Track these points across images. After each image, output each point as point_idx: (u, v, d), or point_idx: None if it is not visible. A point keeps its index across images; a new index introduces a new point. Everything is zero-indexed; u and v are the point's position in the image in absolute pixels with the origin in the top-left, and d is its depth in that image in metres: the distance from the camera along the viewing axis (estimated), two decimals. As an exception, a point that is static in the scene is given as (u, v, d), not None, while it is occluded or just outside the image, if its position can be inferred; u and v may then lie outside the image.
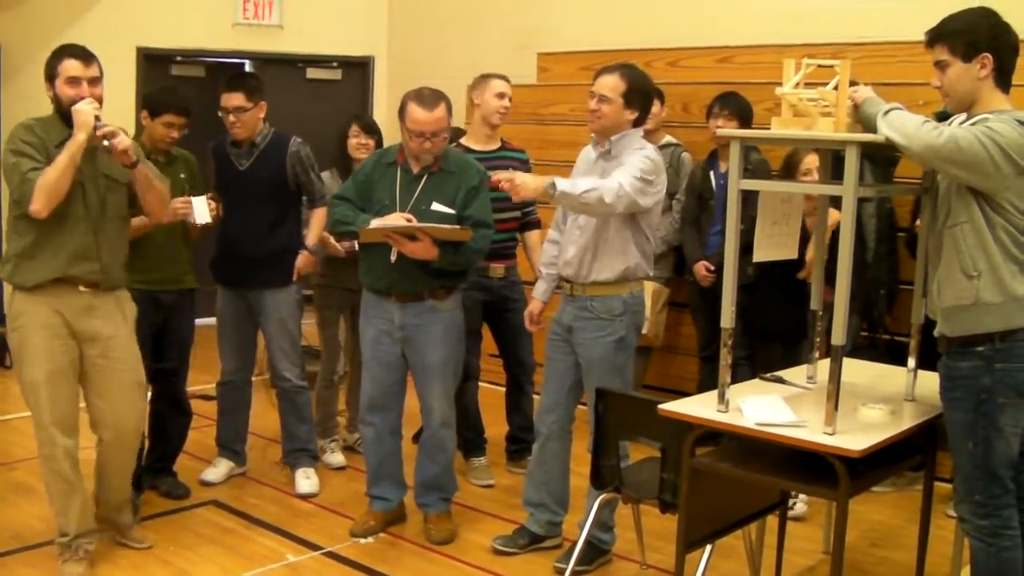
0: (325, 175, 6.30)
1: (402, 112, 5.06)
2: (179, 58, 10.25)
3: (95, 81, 4.65)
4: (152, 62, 10.17)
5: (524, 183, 4.48)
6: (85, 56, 4.65)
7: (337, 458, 6.46)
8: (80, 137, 4.48)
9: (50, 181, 4.44)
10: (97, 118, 4.52)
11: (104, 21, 9.88)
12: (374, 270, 5.18)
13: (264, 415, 6.89)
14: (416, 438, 5.68)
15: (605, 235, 4.74)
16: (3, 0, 9.81)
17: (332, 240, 5.99)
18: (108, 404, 4.84)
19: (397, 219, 4.97)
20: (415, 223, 4.93)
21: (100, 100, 4.62)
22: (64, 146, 4.50)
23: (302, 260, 5.82)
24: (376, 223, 4.96)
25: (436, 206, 5.02)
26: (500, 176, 4.56)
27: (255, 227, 5.76)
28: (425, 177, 5.11)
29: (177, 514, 5.56)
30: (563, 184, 4.46)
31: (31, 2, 9.90)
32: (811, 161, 5.60)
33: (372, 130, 6.30)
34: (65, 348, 4.67)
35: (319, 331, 6.57)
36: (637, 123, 4.81)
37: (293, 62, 10.55)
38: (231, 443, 6.19)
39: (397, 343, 5.21)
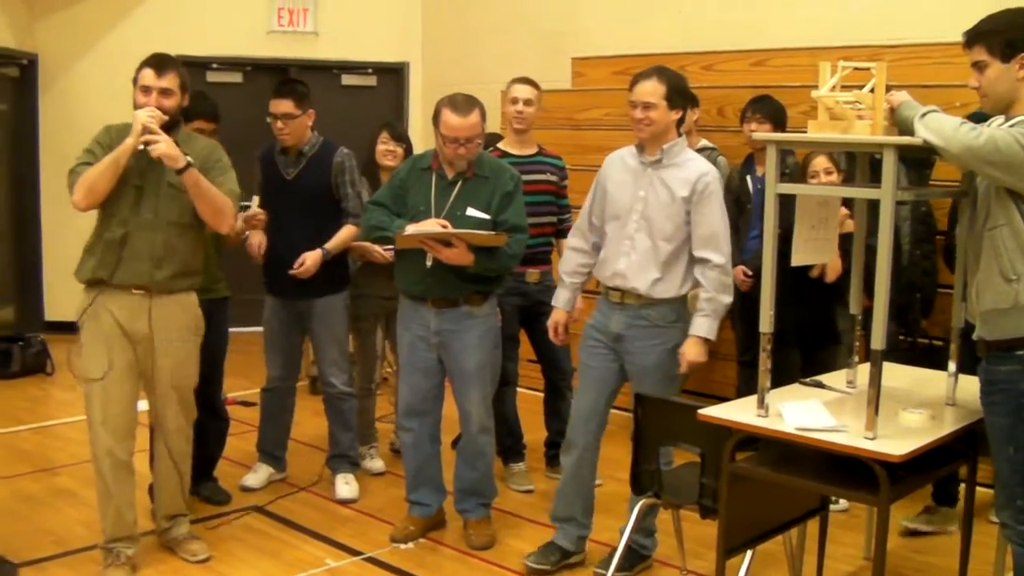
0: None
1: (436, 118, 5.08)
2: (215, 65, 10.31)
3: (166, 92, 4.76)
4: (188, 69, 10.20)
5: (695, 363, 4.75)
6: (160, 66, 4.79)
7: (376, 464, 6.49)
8: (129, 141, 4.59)
9: (90, 177, 4.60)
10: (148, 128, 4.59)
11: (140, 29, 9.98)
12: (410, 276, 5.20)
13: (304, 421, 6.93)
14: (455, 444, 5.69)
15: (676, 256, 4.72)
16: (40, 9, 9.92)
17: (378, 248, 5.97)
18: (154, 408, 4.93)
19: (432, 225, 4.98)
20: (450, 229, 4.95)
21: (167, 111, 4.70)
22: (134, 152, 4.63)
23: (311, 258, 5.73)
24: (412, 229, 4.99)
25: (471, 211, 5.04)
26: None
27: (303, 235, 5.78)
28: (460, 183, 5.12)
29: (218, 519, 5.59)
30: (709, 332, 4.74)
31: (68, 11, 10.00)
32: (818, 163, 5.59)
33: (401, 138, 6.31)
34: (122, 348, 4.75)
35: (355, 340, 6.59)
36: (679, 124, 4.81)
37: (328, 68, 10.61)
38: (273, 449, 6.23)
39: (433, 349, 5.22)
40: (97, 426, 4.74)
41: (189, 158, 4.59)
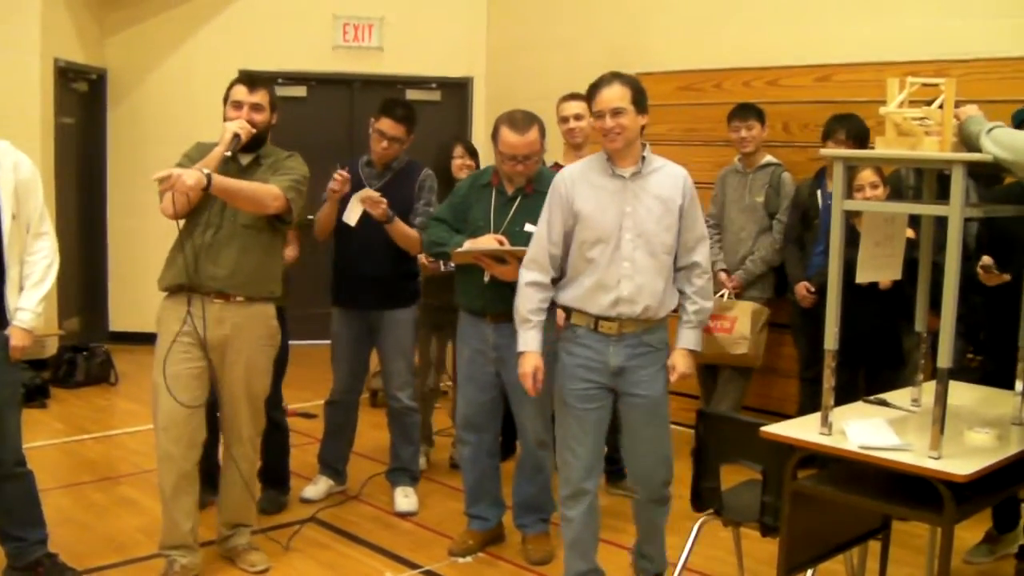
0: None
1: (495, 135, 5.09)
2: (280, 80, 10.39)
3: (257, 107, 4.91)
4: (254, 84, 10.32)
5: (686, 375, 4.59)
6: (251, 83, 4.95)
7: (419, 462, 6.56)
8: (218, 150, 4.71)
9: (177, 184, 4.57)
10: (237, 135, 4.75)
11: (207, 45, 10.12)
12: (469, 291, 5.21)
13: (363, 433, 6.94)
14: (504, 457, 5.66)
15: (665, 275, 4.54)
16: (109, 26, 10.08)
17: (422, 257, 6.03)
18: (225, 417, 4.99)
19: (489, 241, 4.99)
20: (506, 246, 4.96)
21: (256, 125, 4.85)
22: (227, 165, 4.73)
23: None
24: (468, 244, 5.02)
25: (529, 227, 5.00)
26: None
27: (380, 247, 5.80)
28: (519, 199, 5.13)
29: (277, 531, 5.61)
30: (697, 344, 4.60)
31: (137, 28, 10.16)
32: (864, 177, 5.53)
33: (474, 152, 6.38)
34: (189, 356, 4.78)
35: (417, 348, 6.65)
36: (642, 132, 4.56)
37: (393, 83, 10.68)
38: (334, 462, 6.26)
39: (491, 363, 5.22)
40: (159, 432, 4.80)
41: (206, 170, 4.57)
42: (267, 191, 4.76)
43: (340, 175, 5.66)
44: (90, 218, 10.08)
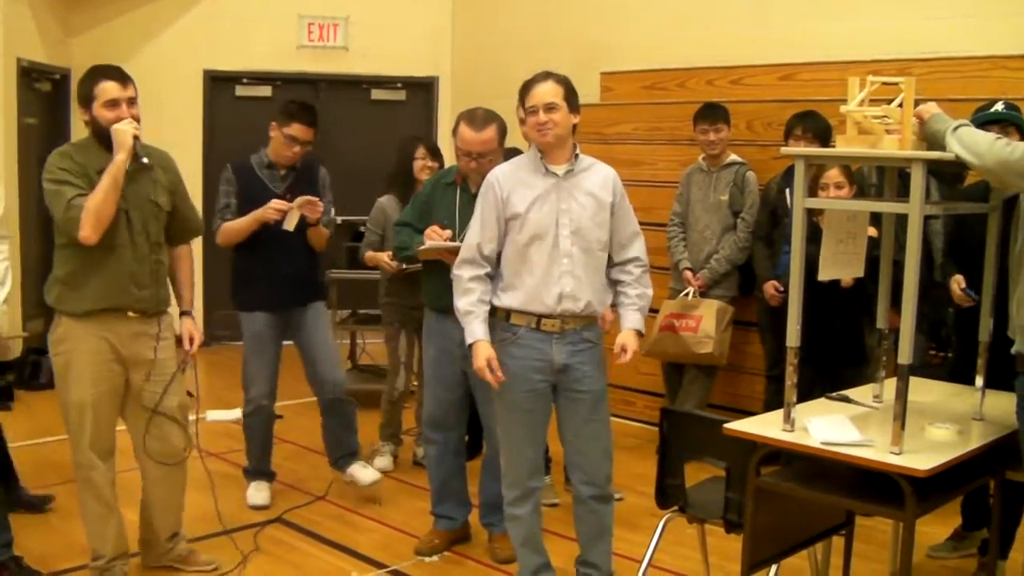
0: (385, 199, 6.40)
1: (454, 131, 5.12)
2: (245, 80, 10.38)
3: (132, 101, 4.60)
4: (218, 84, 10.32)
5: (634, 352, 4.54)
6: (121, 77, 4.61)
7: (384, 461, 6.65)
8: (120, 157, 4.46)
9: (96, 205, 4.42)
10: (136, 138, 4.51)
11: (172, 45, 10.09)
12: (434, 290, 5.21)
13: (315, 430, 6.95)
14: (471, 456, 5.67)
15: (601, 271, 4.57)
16: (73, 26, 10.02)
17: (384, 258, 6.15)
18: (153, 428, 4.84)
19: (431, 233, 5.04)
20: (451, 239, 4.99)
21: (138, 120, 4.58)
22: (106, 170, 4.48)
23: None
24: (428, 243, 5.04)
25: None
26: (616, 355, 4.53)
27: (296, 246, 5.84)
28: None
29: (242, 531, 5.60)
30: (639, 324, 4.57)
31: (101, 28, 10.11)
32: (830, 176, 5.57)
33: (437, 152, 6.36)
34: (111, 373, 4.69)
35: (386, 346, 6.66)
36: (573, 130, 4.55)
37: (358, 83, 10.69)
38: (268, 466, 6.21)
39: (458, 362, 5.20)
40: (87, 450, 4.70)
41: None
42: None
43: (280, 205, 5.67)
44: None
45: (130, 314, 4.68)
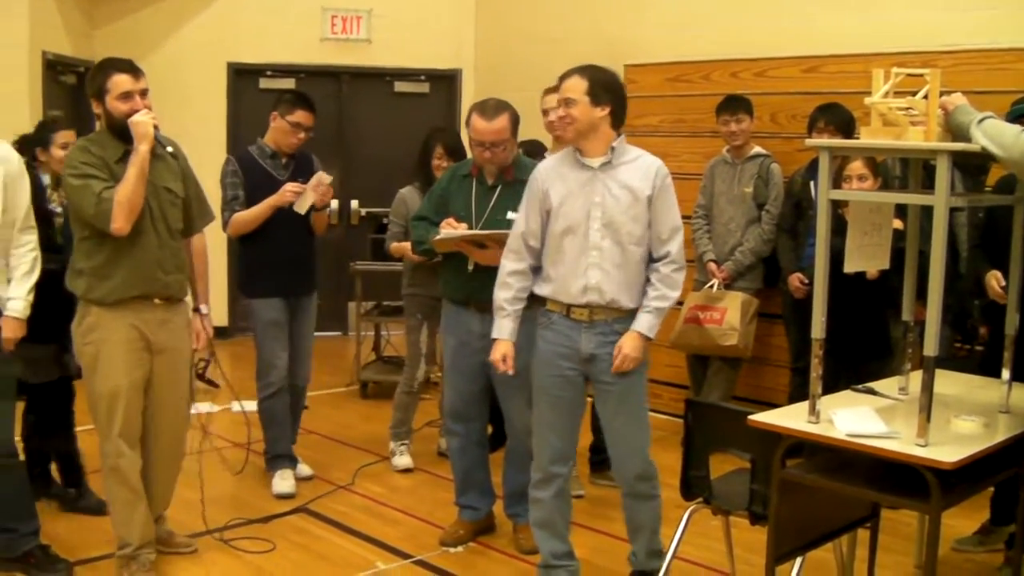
0: (406, 190, 6.42)
1: (467, 122, 5.14)
2: (269, 72, 10.40)
3: (144, 93, 4.66)
4: (242, 76, 10.35)
5: (630, 357, 4.47)
6: (133, 69, 4.66)
7: (404, 460, 6.60)
8: (143, 148, 4.55)
9: (127, 196, 4.51)
10: (155, 127, 4.61)
11: (196, 38, 10.11)
12: (453, 281, 5.24)
13: (354, 425, 6.98)
14: (496, 447, 5.67)
15: (635, 265, 4.53)
16: (98, 18, 10.05)
17: (410, 249, 6.10)
18: (167, 414, 4.93)
19: (453, 225, 5.05)
20: (482, 232, 5.01)
21: (150, 110, 4.66)
22: (125, 161, 4.57)
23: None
24: (444, 233, 5.04)
25: (512, 215, 5.02)
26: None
27: (301, 233, 6.02)
28: (500, 187, 5.16)
29: (269, 522, 5.64)
30: (651, 329, 4.48)
31: (125, 20, 10.13)
32: (853, 168, 5.55)
33: (455, 152, 6.35)
34: (140, 361, 4.75)
35: (405, 338, 6.68)
36: (616, 123, 4.52)
37: (381, 76, 10.69)
38: (290, 450, 6.28)
39: (478, 353, 5.20)
40: (117, 438, 4.73)
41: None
42: None
43: (296, 187, 5.87)
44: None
45: (156, 301, 4.77)
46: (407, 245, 6.13)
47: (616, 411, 4.61)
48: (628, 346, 4.47)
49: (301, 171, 6.04)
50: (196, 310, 5.11)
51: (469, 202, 5.19)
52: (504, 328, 4.66)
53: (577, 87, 4.43)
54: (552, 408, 4.66)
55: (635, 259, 4.50)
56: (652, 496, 4.70)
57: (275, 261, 5.97)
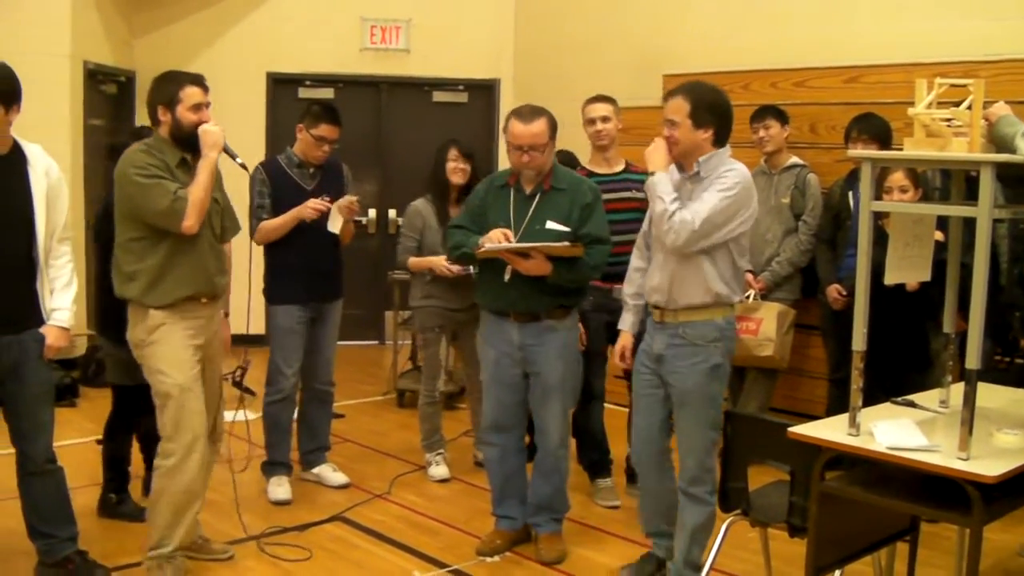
0: (419, 202, 6.44)
1: (505, 129, 5.18)
2: (308, 82, 10.46)
3: (209, 106, 4.90)
4: (281, 85, 10.40)
5: (650, 156, 4.66)
6: (203, 84, 4.90)
7: (441, 471, 6.58)
8: (213, 155, 4.78)
9: (200, 198, 4.71)
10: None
11: (235, 47, 10.18)
12: (491, 291, 5.24)
13: (390, 434, 6.99)
14: (532, 456, 5.67)
15: (690, 259, 4.57)
16: (138, 28, 10.13)
17: (442, 263, 6.20)
18: (209, 411, 4.99)
19: (497, 235, 5.04)
20: (528, 244, 5.00)
21: None
22: (182, 168, 4.79)
23: None
24: (489, 245, 5.02)
25: (551, 224, 5.07)
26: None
27: (325, 242, 6.05)
28: (538, 196, 5.16)
29: (305, 530, 5.65)
30: (662, 184, 4.55)
31: (165, 30, 10.22)
32: (894, 180, 5.52)
33: (470, 155, 6.37)
34: (196, 359, 4.86)
35: (421, 351, 6.70)
36: (719, 141, 4.61)
37: (420, 85, 10.73)
38: (287, 458, 6.29)
39: (518, 364, 5.24)
40: (189, 432, 4.79)
41: None
42: None
43: (318, 205, 5.90)
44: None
45: (203, 300, 4.89)
46: (436, 260, 6.23)
47: (678, 412, 4.72)
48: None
49: (329, 180, 6.10)
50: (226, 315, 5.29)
51: (507, 212, 5.18)
52: (625, 320, 5.01)
53: (680, 109, 4.55)
54: (636, 402, 4.92)
55: (696, 264, 4.56)
56: (702, 501, 4.71)
57: (298, 268, 6.00)
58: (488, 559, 5.36)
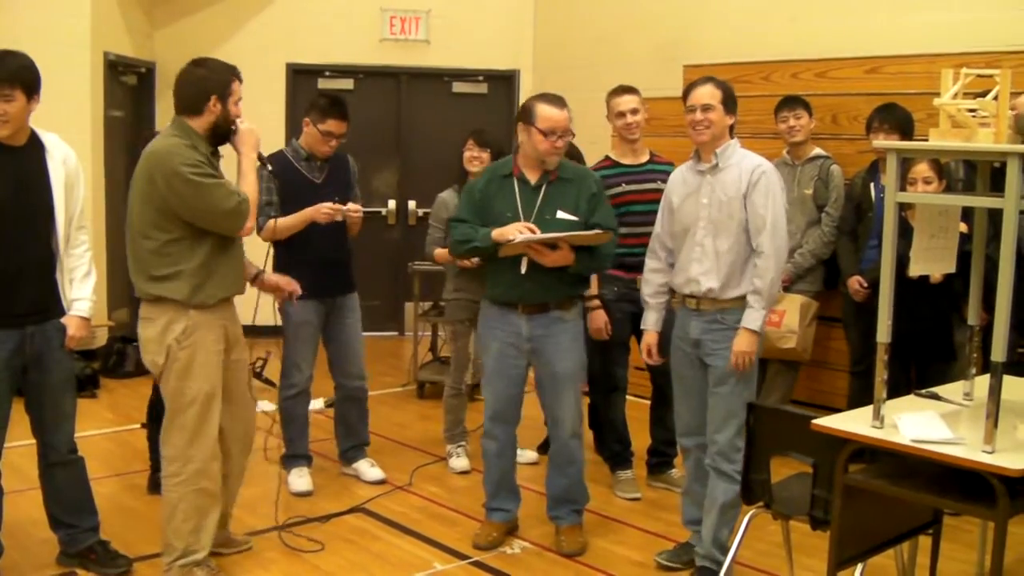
0: (446, 193, 6.44)
1: (528, 114, 5.09)
2: (327, 73, 10.46)
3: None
4: (301, 76, 10.40)
5: (736, 352, 4.71)
6: (241, 80, 4.78)
7: (462, 462, 6.59)
8: (253, 156, 4.74)
9: (256, 200, 4.75)
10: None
11: (255, 38, 10.18)
12: (503, 283, 5.21)
13: (411, 425, 6.98)
14: (543, 449, 5.66)
15: (741, 255, 4.75)
16: (158, 19, 10.15)
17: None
18: (245, 407, 5.01)
19: (520, 228, 4.99)
20: (557, 234, 4.98)
21: None
22: (211, 163, 4.63)
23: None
24: (520, 238, 4.95)
25: (561, 214, 5.07)
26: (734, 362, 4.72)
27: (337, 234, 6.03)
28: (544, 187, 5.14)
29: (327, 521, 5.66)
30: (753, 323, 4.69)
31: (185, 21, 10.22)
32: (919, 171, 5.50)
33: (487, 144, 6.35)
34: (222, 361, 4.78)
35: (450, 342, 6.71)
36: (731, 131, 4.87)
37: (439, 76, 10.72)
38: (307, 450, 6.32)
39: (524, 355, 5.23)
40: (207, 439, 4.73)
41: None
42: None
43: (331, 211, 5.87)
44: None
45: (232, 299, 4.87)
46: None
47: (713, 389, 4.84)
48: (738, 343, 4.73)
49: (336, 173, 6.10)
50: None
51: (514, 203, 5.15)
52: (648, 320, 5.14)
53: (715, 95, 4.80)
54: (677, 383, 5.04)
55: (731, 253, 4.76)
56: (731, 478, 4.74)
57: (309, 262, 5.91)
58: (508, 550, 5.36)
